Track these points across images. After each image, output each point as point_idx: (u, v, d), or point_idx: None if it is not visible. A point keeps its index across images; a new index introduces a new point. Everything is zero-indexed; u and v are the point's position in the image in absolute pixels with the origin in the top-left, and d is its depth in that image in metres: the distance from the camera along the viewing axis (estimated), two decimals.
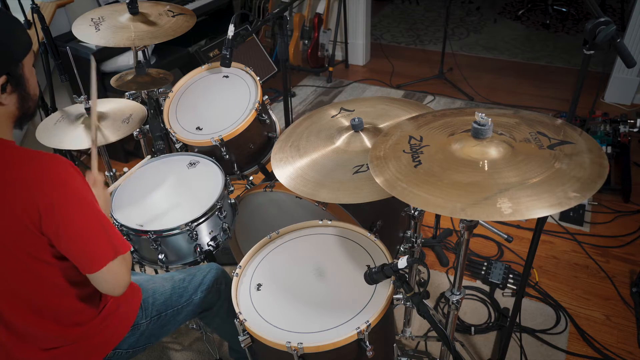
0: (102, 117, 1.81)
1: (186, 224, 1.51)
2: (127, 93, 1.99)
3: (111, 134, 1.75)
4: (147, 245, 1.54)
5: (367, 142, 1.45)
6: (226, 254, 2.16)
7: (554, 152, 1.05)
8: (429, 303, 2.09)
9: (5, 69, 0.99)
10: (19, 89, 1.04)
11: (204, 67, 1.96)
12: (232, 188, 1.71)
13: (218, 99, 1.86)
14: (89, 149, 1.61)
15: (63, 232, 1.04)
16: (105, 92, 2.81)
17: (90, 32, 1.78)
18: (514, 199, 0.95)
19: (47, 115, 2.34)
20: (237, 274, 1.37)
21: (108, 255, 1.09)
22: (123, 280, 1.15)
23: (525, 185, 0.97)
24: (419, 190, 1.01)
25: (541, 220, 1.43)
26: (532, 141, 1.09)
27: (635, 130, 2.76)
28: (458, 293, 1.31)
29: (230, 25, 1.64)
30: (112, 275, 1.11)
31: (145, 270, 2.01)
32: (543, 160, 1.03)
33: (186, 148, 1.82)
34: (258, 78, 1.87)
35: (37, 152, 1.05)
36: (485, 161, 1.04)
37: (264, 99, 1.82)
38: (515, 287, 2.12)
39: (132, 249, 1.17)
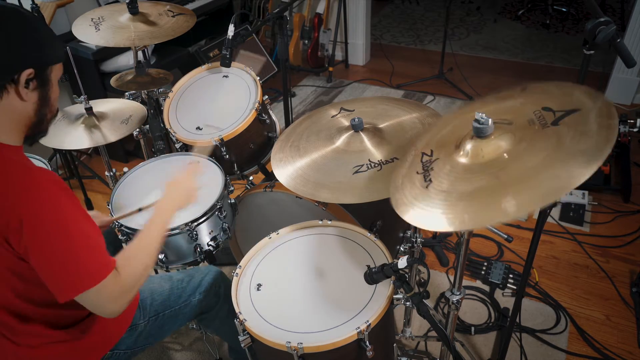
0: (102, 117, 1.82)
1: (186, 224, 1.51)
2: (127, 93, 1.99)
3: (111, 134, 1.75)
4: None
5: (367, 142, 1.45)
6: (226, 254, 2.16)
7: (557, 127, 1.00)
8: (429, 303, 2.09)
9: (35, 64, 1.01)
10: (42, 89, 1.04)
11: (204, 67, 1.96)
12: (232, 188, 1.70)
13: (218, 99, 1.86)
14: (89, 149, 1.61)
15: (32, 254, 1.00)
16: (105, 92, 2.81)
17: (90, 32, 1.78)
18: (518, 194, 0.92)
19: None
20: (237, 274, 1.37)
21: (74, 288, 1.03)
22: (104, 308, 1.08)
23: (529, 176, 0.94)
24: (430, 209, 1.00)
25: (541, 220, 1.43)
26: (535, 122, 1.05)
27: (635, 130, 2.76)
28: (458, 293, 1.31)
29: (230, 25, 1.64)
30: (91, 303, 1.06)
31: None
32: (546, 141, 0.99)
33: (186, 148, 1.82)
34: (258, 78, 1.87)
35: (29, 165, 1.03)
36: (490, 161, 1.02)
37: (264, 99, 1.82)
38: (515, 287, 2.12)
39: (115, 276, 1.07)
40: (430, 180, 1.06)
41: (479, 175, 1.02)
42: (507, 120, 1.08)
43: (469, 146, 1.07)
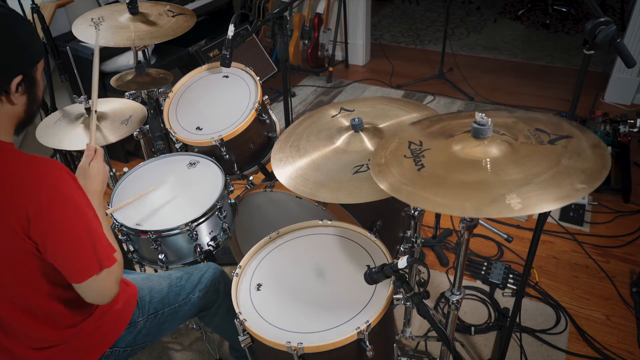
0: (102, 117, 1.82)
1: (186, 224, 1.51)
2: (127, 93, 1.98)
3: (111, 135, 1.75)
4: (147, 245, 1.54)
5: (367, 142, 1.45)
6: (226, 254, 2.16)
7: (555, 146, 1.04)
8: (429, 303, 2.09)
9: (23, 69, 1.02)
10: (30, 90, 1.06)
11: (204, 67, 1.96)
12: (232, 188, 1.71)
13: (218, 99, 1.86)
14: None
15: (51, 239, 1.03)
16: (106, 92, 2.81)
17: (90, 32, 1.78)
18: (523, 194, 0.94)
19: (47, 115, 2.34)
20: (237, 274, 1.37)
21: (92, 268, 1.07)
22: (109, 291, 1.13)
23: (531, 180, 0.96)
24: (426, 192, 1.01)
25: (541, 220, 1.43)
26: (531, 137, 1.08)
27: (635, 130, 2.76)
28: (458, 293, 1.31)
29: (230, 25, 1.64)
30: (97, 287, 1.10)
31: (145, 270, 2.01)
32: (545, 155, 1.02)
33: (186, 148, 1.82)
34: (258, 78, 1.87)
35: (32, 156, 1.04)
36: (488, 160, 1.04)
37: (264, 99, 1.82)
38: (515, 287, 2.12)
39: (117, 260, 1.14)
40: (422, 165, 1.08)
41: (477, 170, 1.03)
42: (509, 134, 1.11)
43: (461, 143, 1.10)
